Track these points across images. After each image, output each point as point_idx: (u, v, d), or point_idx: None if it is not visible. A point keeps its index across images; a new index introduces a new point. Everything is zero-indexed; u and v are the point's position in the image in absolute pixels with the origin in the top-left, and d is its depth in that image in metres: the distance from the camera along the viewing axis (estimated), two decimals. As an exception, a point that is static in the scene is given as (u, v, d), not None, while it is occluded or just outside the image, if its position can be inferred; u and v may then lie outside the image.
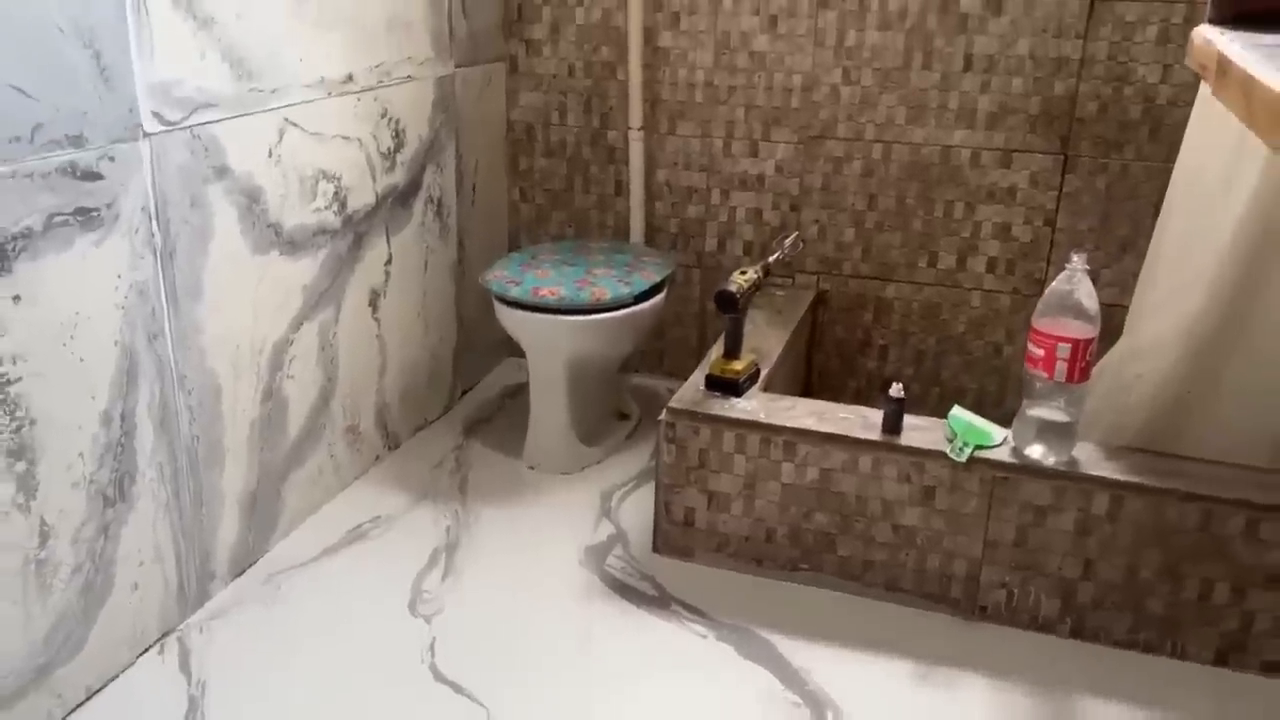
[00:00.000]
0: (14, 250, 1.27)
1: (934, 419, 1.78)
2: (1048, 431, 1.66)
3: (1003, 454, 1.68)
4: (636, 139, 2.43)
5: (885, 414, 1.74)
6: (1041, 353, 1.62)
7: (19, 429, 1.31)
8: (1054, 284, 1.64)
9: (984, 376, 2.40)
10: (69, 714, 1.46)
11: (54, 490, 1.38)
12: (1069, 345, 1.60)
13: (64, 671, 1.44)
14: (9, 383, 1.29)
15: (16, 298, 1.28)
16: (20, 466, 1.32)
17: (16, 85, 1.24)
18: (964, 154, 2.26)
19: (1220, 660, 1.64)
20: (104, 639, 1.50)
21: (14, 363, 1.29)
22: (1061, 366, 1.60)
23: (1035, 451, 1.67)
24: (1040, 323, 1.63)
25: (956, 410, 1.77)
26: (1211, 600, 1.62)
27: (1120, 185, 2.19)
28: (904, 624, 1.73)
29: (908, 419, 1.75)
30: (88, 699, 1.49)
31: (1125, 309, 1.91)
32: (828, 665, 1.62)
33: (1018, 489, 1.66)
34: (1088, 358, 1.61)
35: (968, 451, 1.67)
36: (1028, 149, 2.22)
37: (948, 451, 1.68)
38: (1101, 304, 1.62)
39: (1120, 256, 2.22)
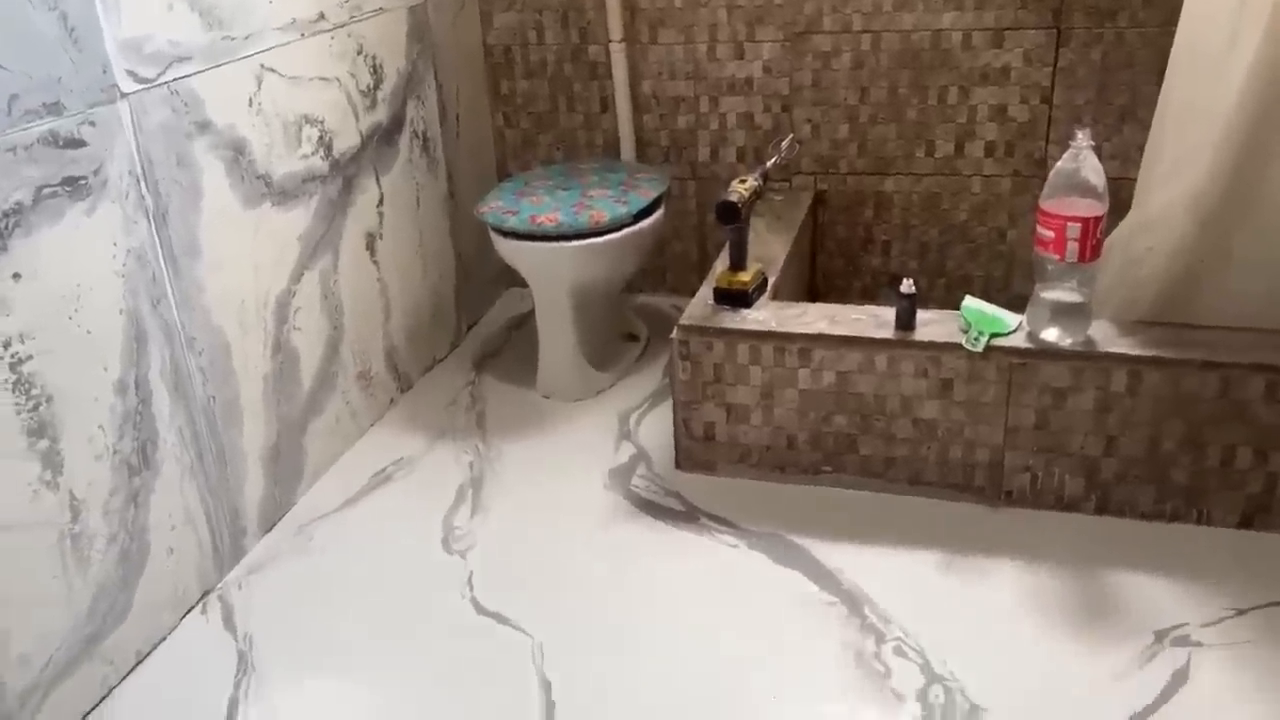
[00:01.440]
0: (7, 228, 1.24)
1: (946, 311, 1.77)
2: (1062, 313, 1.65)
3: (1018, 340, 1.68)
4: (618, 51, 2.38)
5: (897, 311, 1.73)
6: (1051, 234, 1.61)
7: (36, 407, 1.31)
8: (1059, 164, 1.61)
9: (990, 263, 2.39)
10: (123, 678, 1.49)
11: (79, 464, 1.38)
12: (1079, 225, 1.58)
13: (112, 639, 1.46)
14: (20, 362, 1.28)
15: (16, 275, 1.26)
16: (43, 444, 1.32)
17: (-13, 57, 1.20)
18: (955, 37, 2.21)
19: (1245, 523, 1.66)
20: (147, 604, 1.52)
21: (22, 341, 1.28)
22: (1072, 247, 1.59)
23: (1051, 334, 1.66)
24: (1048, 204, 1.61)
25: (968, 300, 1.76)
26: (1234, 465, 1.63)
27: (1116, 55, 2.14)
28: (930, 516, 1.75)
29: (920, 314, 1.74)
30: (139, 663, 1.52)
31: (1128, 181, 1.88)
32: (859, 563, 1.64)
33: (1036, 373, 1.66)
34: (1098, 235, 1.59)
35: (983, 341, 1.67)
36: (1019, 26, 2.17)
37: (963, 343, 1.67)
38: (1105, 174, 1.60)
39: (1120, 128, 2.18)
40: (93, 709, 1.44)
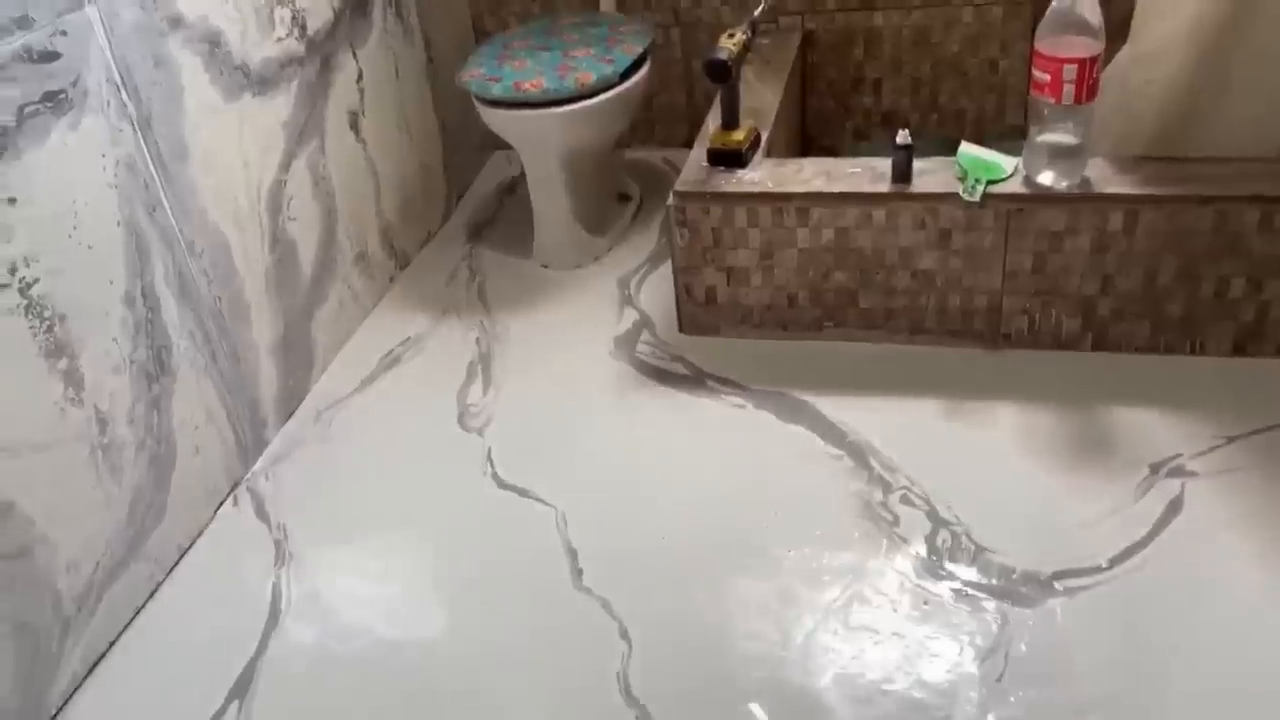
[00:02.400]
0: (-5, 152, 1.23)
1: (942, 159, 1.76)
2: (1059, 156, 1.65)
3: (1015, 185, 1.68)
4: (591, -105, 2.26)
5: (894, 163, 1.72)
6: (1047, 77, 1.58)
7: (50, 328, 1.32)
8: (1054, 3, 1.57)
9: (983, 95, 2.35)
10: (168, 574, 1.56)
11: (99, 378, 1.40)
12: (1075, 65, 1.55)
13: (154, 538, 1.52)
14: (29, 285, 1.28)
15: (12, 200, 1.25)
16: (63, 364, 1.34)
17: (-54, -24, 1.15)
18: None
19: (1239, 350, 1.70)
20: (181, 502, 1.57)
21: (28, 265, 1.28)
22: (1069, 89, 1.57)
23: (1047, 178, 1.66)
24: (1043, 44, 1.58)
25: (964, 146, 1.75)
26: (1228, 296, 1.66)
27: None
28: (931, 363, 1.79)
29: (916, 163, 1.73)
30: (181, 558, 1.59)
31: (1124, 3, 1.83)
32: (863, 415, 1.70)
33: (1033, 218, 1.67)
34: (1095, 75, 1.57)
35: (980, 189, 1.67)
36: None
37: (960, 193, 1.67)
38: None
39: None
40: (144, 605, 1.52)
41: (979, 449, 1.61)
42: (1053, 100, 1.59)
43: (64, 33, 1.31)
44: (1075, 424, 1.63)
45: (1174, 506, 1.46)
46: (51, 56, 1.30)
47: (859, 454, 1.63)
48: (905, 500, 1.54)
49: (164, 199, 1.50)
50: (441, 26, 2.35)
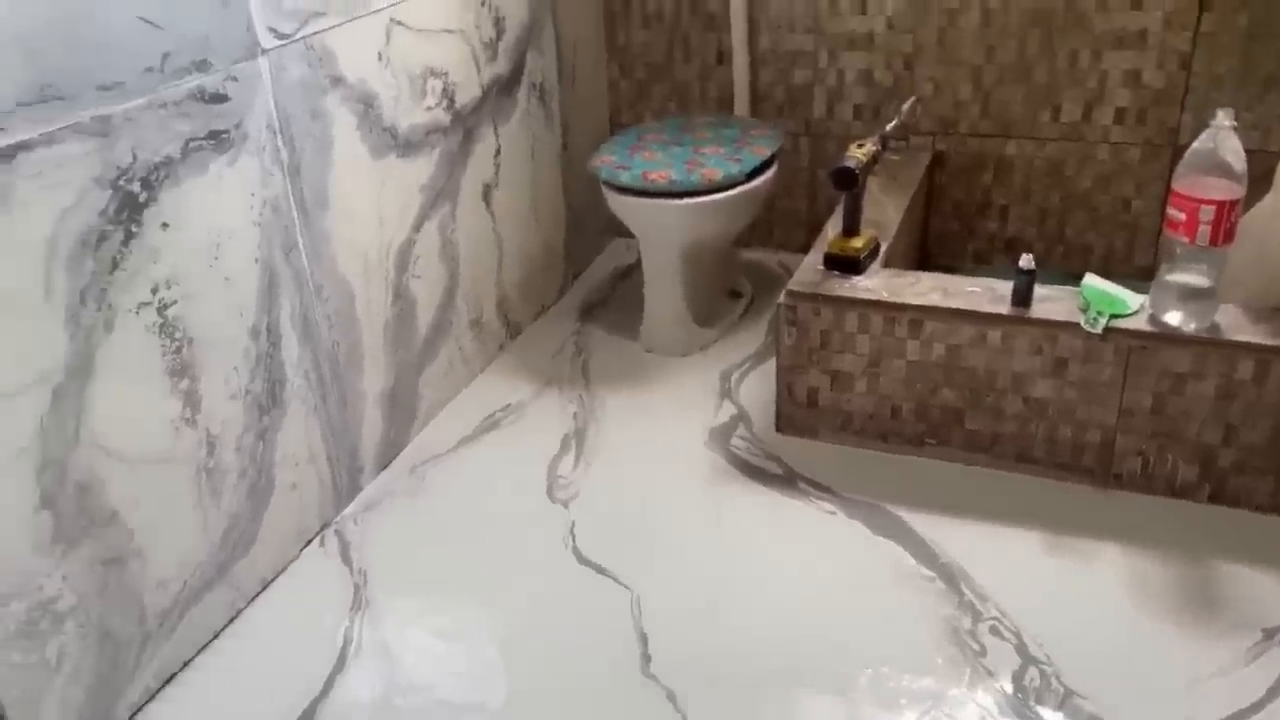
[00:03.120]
0: (158, 179, 1.31)
1: (1065, 288, 1.74)
2: (1188, 297, 1.60)
3: (1139, 322, 1.64)
4: (738, 2, 2.34)
5: (1015, 286, 1.70)
6: (1183, 216, 1.55)
7: (179, 349, 1.38)
8: (1196, 143, 1.55)
9: (1112, 233, 2.31)
10: (249, 603, 1.59)
11: (215, 403, 1.46)
12: (1213, 208, 1.53)
13: (240, 566, 1.56)
14: (166, 306, 1.36)
15: (165, 225, 1.33)
16: (184, 384, 1.40)
17: (145, 17, 1.26)
18: (1091, -3, 2.12)
19: (1369, 522, 1.61)
20: (271, 535, 1.61)
21: (169, 287, 1.35)
22: (1204, 230, 1.54)
23: (1174, 318, 1.62)
24: (1181, 184, 1.56)
25: (1089, 278, 1.72)
26: (1362, 463, 1.58)
27: (1264, 21, 2.03)
28: (1035, 495, 1.74)
29: (1037, 288, 1.71)
30: (262, 590, 1.62)
31: (1267, 154, 1.80)
32: (959, 538, 1.64)
33: (1156, 357, 1.62)
34: (1232, 219, 1.54)
35: (1103, 321, 1.63)
36: (1162, -13, 2.07)
37: (1082, 323, 1.64)
38: (1244, 149, 1.53)
39: (1263, 97, 2.08)
40: (221, 630, 1.54)
41: (1079, 588, 1.54)
42: (1187, 240, 1.56)
43: (235, 79, 1.41)
44: (1185, 576, 1.55)
45: (1288, 677, 1.37)
46: (221, 99, 1.39)
47: (951, 577, 1.57)
48: (995, 631, 1.47)
49: (301, 243, 1.58)
50: (580, 116, 2.44)
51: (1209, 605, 1.49)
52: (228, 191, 1.43)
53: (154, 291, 1.33)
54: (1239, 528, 1.63)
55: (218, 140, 1.40)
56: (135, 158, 1.27)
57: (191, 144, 1.36)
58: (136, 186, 1.28)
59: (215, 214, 1.41)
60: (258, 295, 1.51)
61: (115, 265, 1.27)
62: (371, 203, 1.73)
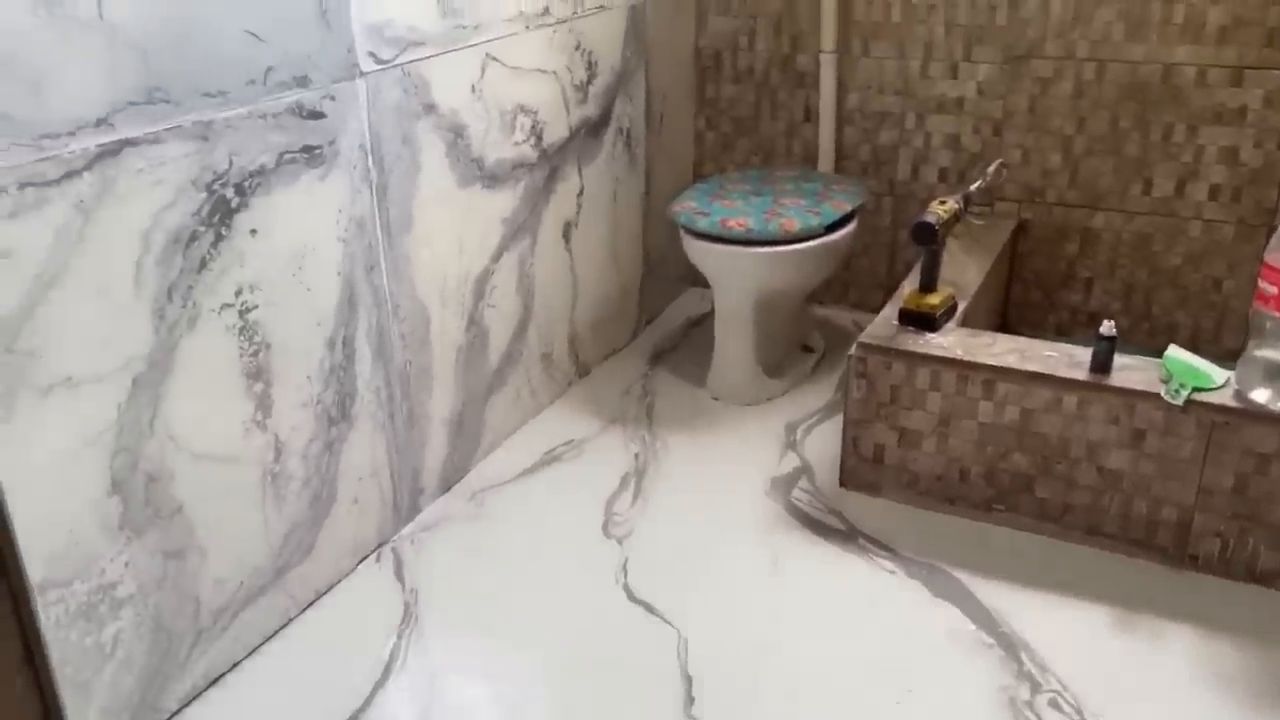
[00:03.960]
0: (251, 187, 1.36)
1: (1147, 359, 1.69)
2: (1276, 374, 1.54)
3: (1224, 397, 1.58)
4: (828, 62, 2.37)
5: (1095, 352, 1.66)
6: (1274, 290, 1.51)
7: (256, 353, 1.42)
8: (1293, 215, 1.51)
9: (1200, 313, 2.25)
10: (301, 611, 1.61)
11: (286, 409, 1.50)
12: (1306, 282, 1.48)
13: (296, 573, 1.58)
14: (248, 310, 1.40)
15: (253, 231, 1.38)
16: (258, 388, 1.44)
17: (250, 30, 1.32)
18: (1189, 72, 2.09)
19: None
20: (329, 547, 1.63)
21: (251, 291, 1.40)
22: (1297, 305, 1.49)
23: (1262, 395, 1.56)
24: (1274, 257, 1.51)
25: (1173, 349, 1.67)
26: None
27: (1372, 103, 1.98)
28: (1105, 570, 1.67)
29: (1118, 358, 1.66)
30: (316, 599, 1.63)
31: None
32: (1022, 607, 1.59)
33: (1239, 434, 1.56)
34: (1328, 296, 1.48)
35: (1185, 393, 1.58)
36: (1263, 65, 2.03)
37: (1163, 393, 1.59)
38: (1347, 236, 1.49)
39: (1364, 183, 2.02)
40: (273, 635, 1.56)
41: (1146, 668, 1.47)
42: (1276, 315, 1.50)
43: (333, 98, 1.47)
44: (1261, 665, 1.47)
45: (1370, 780, 1.28)
46: (318, 115, 1.45)
47: (1010, 646, 1.52)
48: (1054, 705, 1.41)
49: (382, 262, 1.62)
50: (665, 164, 2.48)
51: (1287, 698, 1.41)
52: (316, 205, 1.48)
53: (237, 294, 1.38)
54: (1324, 621, 1.55)
55: (311, 155, 1.45)
56: (231, 164, 1.33)
57: (286, 156, 1.41)
58: (230, 192, 1.34)
59: (302, 225, 1.46)
60: (336, 308, 1.55)
61: (203, 265, 1.32)
62: (453, 230, 1.78)
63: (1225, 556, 1.63)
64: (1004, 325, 2.40)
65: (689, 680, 1.47)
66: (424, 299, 1.74)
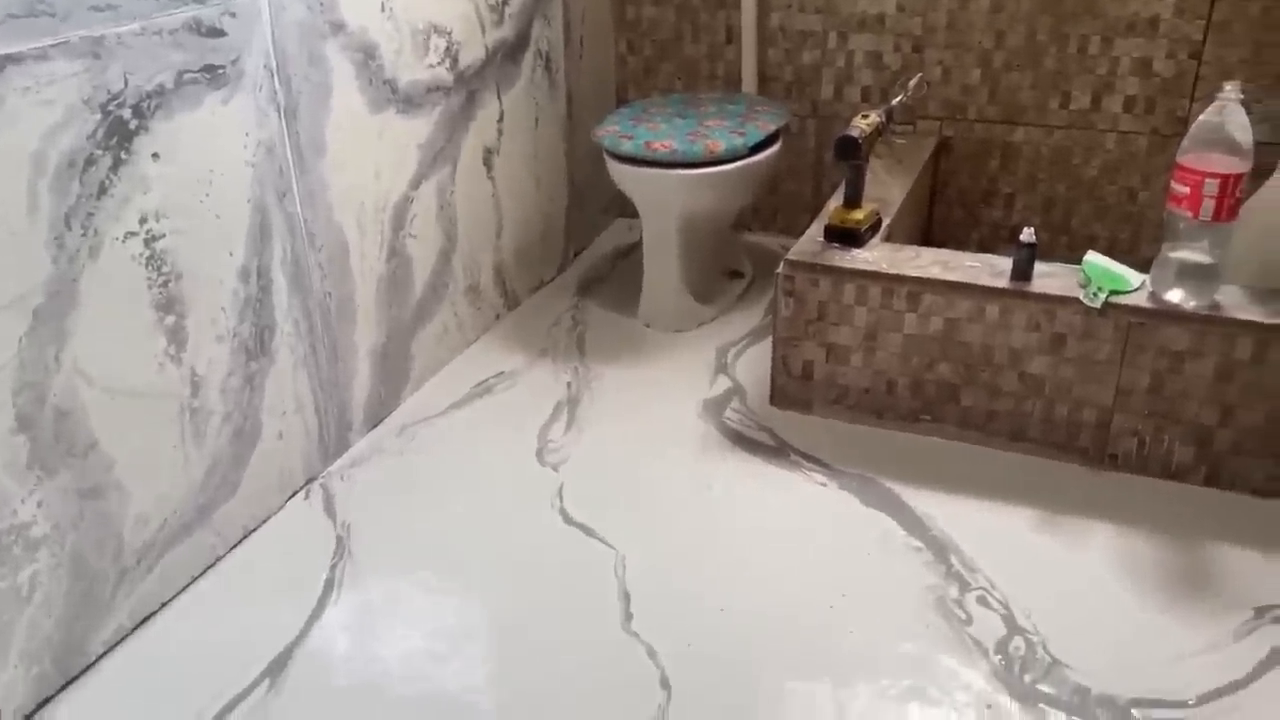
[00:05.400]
0: (149, 108, 1.30)
1: (1066, 265, 1.72)
2: (1189, 274, 1.58)
3: (1140, 299, 1.62)
4: (748, -18, 2.34)
5: (1015, 260, 1.68)
6: (1186, 190, 1.53)
7: (166, 284, 1.37)
8: (1202, 116, 1.53)
9: (1116, 224, 2.29)
10: (230, 549, 1.57)
11: (201, 343, 1.45)
12: (1217, 181, 1.51)
13: (222, 512, 1.54)
14: (155, 238, 1.34)
15: (155, 155, 1.32)
16: (170, 320, 1.39)
17: (140, -60, 1.25)
18: (1103, -17, 2.10)
19: (1367, 508, 1.58)
20: (255, 483, 1.60)
21: (157, 219, 1.34)
22: (1208, 204, 1.52)
23: (1175, 295, 1.60)
24: (1186, 158, 1.54)
25: (1091, 255, 1.70)
26: (1362, 447, 1.55)
27: (1277, 11, 2.01)
28: (1028, 473, 1.71)
29: (1038, 266, 1.69)
30: (245, 537, 1.60)
31: (1276, 147, 1.78)
32: (950, 512, 1.62)
33: (1155, 334, 1.60)
34: (1236, 195, 1.52)
35: (1103, 297, 1.61)
36: (1175, -26, 2.06)
37: (1082, 297, 1.62)
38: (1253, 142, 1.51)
39: (1273, 89, 2.06)
40: (200, 575, 1.53)
41: (1069, 564, 1.51)
42: (1190, 215, 1.54)
43: (233, 14, 1.40)
44: (1176, 555, 1.52)
45: (1277, 655, 1.34)
46: (218, 33, 1.38)
47: (940, 549, 1.55)
48: (982, 601, 1.45)
49: (295, 188, 1.57)
50: (586, 90, 2.43)
51: (1200, 583, 1.47)
52: (221, 129, 1.42)
53: (142, 222, 1.32)
54: (1234, 510, 1.61)
55: (213, 75, 1.39)
56: (127, 84, 1.27)
57: (185, 76, 1.35)
58: (127, 113, 1.27)
59: (208, 150, 1.40)
60: (248, 236, 1.50)
61: (103, 191, 1.26)
62: (369, 156, 1.73)
63: (1142, 455, 1.68)
64: (928, 244, 2.41)
65: (627, 596, 1.47)
66: (341, 227, 1.69)
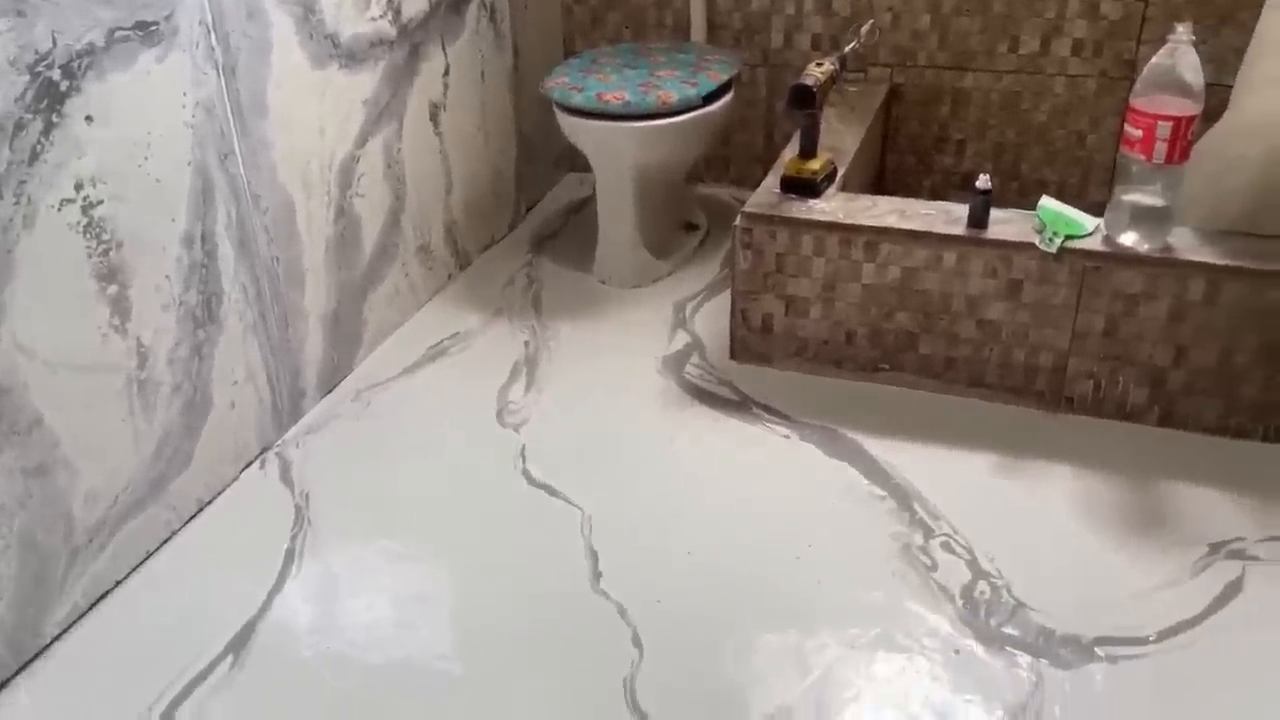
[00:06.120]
0: (80, 69, 1.24)
1: (1021, 211, 1.72)
2: (1142, 217, 1.59)
3: (1094, 243, 1.63)
4: (695, -72, 2.29)
5: (971, 207, 1.68)
6: (1139, 133, 1.54)
7: (107, 252, 1.32)
8: (1155, 58, 1.54)
9: (1066, 168, 2.31)
10: (184, 524, 1.54)
11: (146, 312, 1.40)
12: (1169, 124, 1.51)
13: (175, 485, 1.50)
14: (92, 205, 1.29)
15: (89, 118, 1.26)
16: (112, 290, 1.34)
17: (61, -112, 1.18)
18: (1051, -76, 2.09)
19: (1314, 443, 1.62)
20: (208, 455, 1.56)
21: (94, 185, 1.29)
22: (1161, 147, 1.53)
23: (1129, 238, 1.61)
24: (1139, 101, 1.54)
25: (1045, 200, 1.71)
26: (1308, 383, 1.59)
27: (1223, -49, 2.03)
28: (987, 418, 1.73)
29: (993, 212, 1.69)
30: (200, 510, 1.56)
31: (1223, 88, 1.79)
32: (911, 460, 1.63)
33: (1109, 278, 1.61)
34: (1189, 137, 1.53)
35: (1058, 242, 1.62)
36: (1122, -85, 2.05)
37: (1037, 243, 1.63)
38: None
39: (1219, 30, 2.07)
40: (155, 550, 1.49)
41: (1029, 508, 1.54)
42: (1143, 158, 1.54)
43: (165, -33, 1.34)
44: (1133, 495, 1.55)
45: (1232, 588, 1.37)
46: (150, -13, 1.32)
47: (903, 497, 1.56)
48: (946, 547, 1.46)
49: (237, 148, 1.51)
50: (533, 40, 2.38)
51: (1157, 521, 1.50)
52: (158, 89, 1.36)
53: (78, 188, 1.27)
54: (1188, 449, 1.64)
55: (146, 32, 1.33)
56: (55, 43, 1.20)
57: (117, 34, 1.28)
58: (57, 74, 1.21)
59: (144, 111, 1.34)
60: (190, 201, 1.44)
61: (35, 156, 1.20)
62: (312, 113, 1.67)
63: (1098, 397, 1.70)
64: (880, 192, 2.41)
65: (594, 555, 1.47)
66: (287, 188, 1.64)
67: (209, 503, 1.58)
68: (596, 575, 1.43)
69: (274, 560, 1.48)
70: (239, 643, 1.34)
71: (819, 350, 1.83)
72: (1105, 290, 1.62)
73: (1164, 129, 1.51)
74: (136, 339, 1.39)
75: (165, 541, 1.51)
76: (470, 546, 1.50)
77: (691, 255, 2.28)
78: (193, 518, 1.55)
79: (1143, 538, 1.47)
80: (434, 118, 2.02)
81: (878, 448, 1.66)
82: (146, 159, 1.36)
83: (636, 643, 1.32)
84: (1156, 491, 1.56)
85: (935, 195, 2.39)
